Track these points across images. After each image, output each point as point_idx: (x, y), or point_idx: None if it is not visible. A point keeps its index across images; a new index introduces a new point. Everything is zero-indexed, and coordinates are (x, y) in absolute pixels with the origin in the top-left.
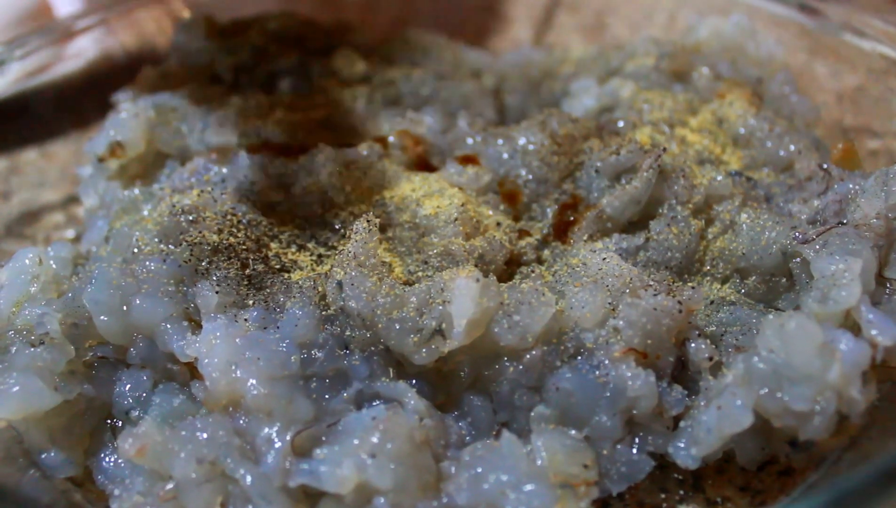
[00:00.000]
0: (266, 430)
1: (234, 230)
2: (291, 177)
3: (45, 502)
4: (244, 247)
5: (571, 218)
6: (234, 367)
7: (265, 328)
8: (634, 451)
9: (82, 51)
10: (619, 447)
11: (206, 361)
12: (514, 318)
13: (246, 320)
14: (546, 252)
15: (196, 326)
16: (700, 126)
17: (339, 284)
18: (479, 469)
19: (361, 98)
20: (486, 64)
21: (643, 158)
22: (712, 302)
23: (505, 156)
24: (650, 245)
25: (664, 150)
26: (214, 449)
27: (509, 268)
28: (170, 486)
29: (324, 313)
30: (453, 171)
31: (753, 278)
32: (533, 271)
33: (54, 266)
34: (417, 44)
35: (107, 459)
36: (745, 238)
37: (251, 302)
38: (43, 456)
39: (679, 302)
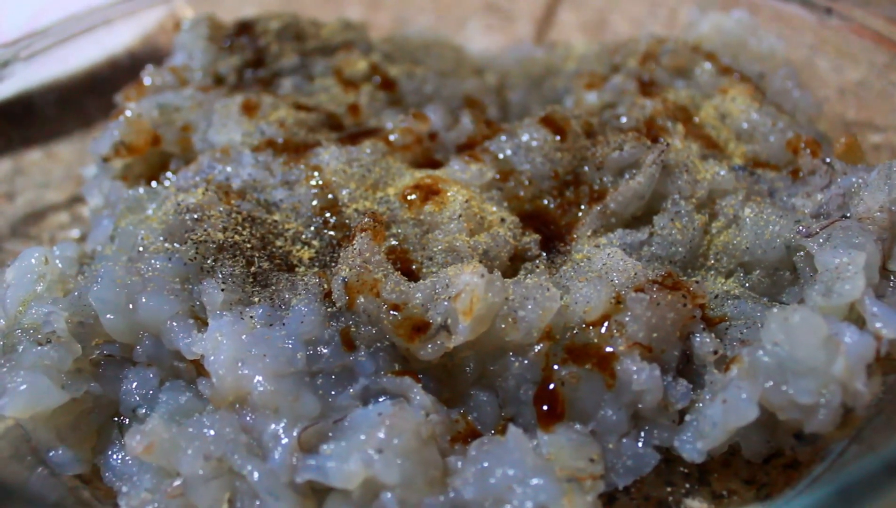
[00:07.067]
0: (273, 426)
1: (239, 228)
2: (295, 175)
3: (54, 499)
4: (249, 245)
5: (577, 214)
6: (240, 364)
7: (271, 325)
8: (640, 445)
9: (86, 51)
10: (624, 441)
11: (213, 358)
12: (518, 313)
13: (252, 317)
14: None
15: (202, 323)
16: (703, 121)
17: (344, 280)
18: (486, 464)
19: (364, 96)
20: (488, 61)
21: (646, 153)
22: (717, 296)
23: (508, 152)
24: (654, 240)
25: (667, 145)
26: (221, 446)
27: (513, 264)
28: (177, 483)
29: (329, 309)
30: (457, 168)
31: (757, 272)
32: (537, 267)
33: (60, 265)
34: (419, 41)
35: (114, 456)
36: (748, 232)
37: (257, 299)
38: (51, 454)
39: (683, 296)
